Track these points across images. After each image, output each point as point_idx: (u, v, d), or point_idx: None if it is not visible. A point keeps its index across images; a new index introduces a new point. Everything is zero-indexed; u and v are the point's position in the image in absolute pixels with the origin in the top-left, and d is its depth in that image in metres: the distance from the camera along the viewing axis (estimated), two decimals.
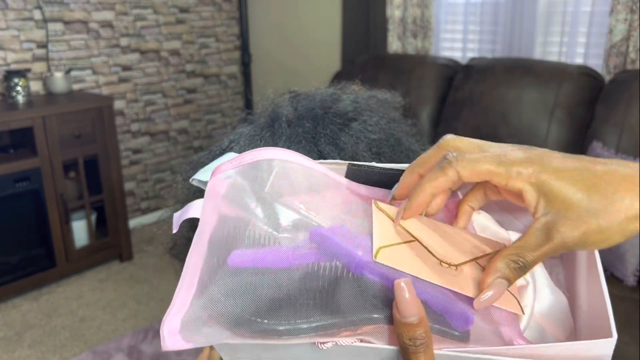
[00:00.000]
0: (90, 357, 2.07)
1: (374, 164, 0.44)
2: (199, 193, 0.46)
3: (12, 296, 2.44)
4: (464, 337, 0.36)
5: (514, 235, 0.46)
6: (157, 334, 2.18)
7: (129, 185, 3.09)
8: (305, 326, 0.35)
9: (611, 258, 1.68)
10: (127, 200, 3.01)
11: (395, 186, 0.41)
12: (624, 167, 0.35)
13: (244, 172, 0.40)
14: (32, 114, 2.30)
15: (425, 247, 0.39)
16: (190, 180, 0.43)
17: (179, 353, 2.08)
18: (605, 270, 1.71)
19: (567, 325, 0.42)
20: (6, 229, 2.41)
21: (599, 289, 0.37)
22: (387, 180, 0.43)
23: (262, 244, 0.38)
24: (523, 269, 0.35)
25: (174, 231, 0.40)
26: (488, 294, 0.35)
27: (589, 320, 0.39)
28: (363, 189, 0.43)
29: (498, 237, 0.44)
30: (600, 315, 0.36)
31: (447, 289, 0.37)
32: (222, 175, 0.40)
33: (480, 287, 0.36)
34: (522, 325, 0.40)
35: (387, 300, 0.36)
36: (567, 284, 0.46)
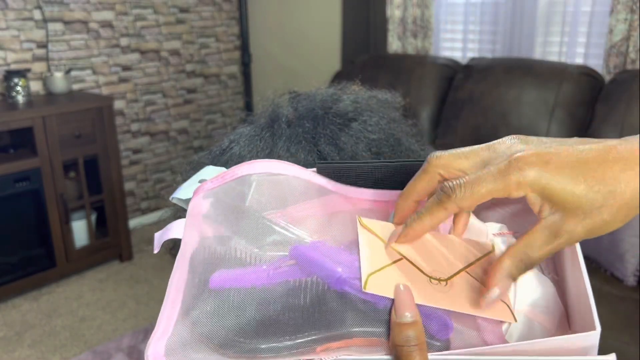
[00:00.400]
0: (90, 357, 2.07)
1: (344, 161, 0.44)
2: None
3: (12, 296, 2.44)
4: (445, 347, 0.36)
5: (490, 227, 0.46)
6: None
7: (129, 185, 3.09)
8: (288, 343, 0.35)
9: (611, 258, 1.68)
10: (127, 200, 3.01)
11: (393, 214, 0.40)
12: (618, 143, 0.34)
13: (226, 190, 0.40)
14: (32, 114, 2.30)
15: (414, 265, 0.38)
16: (170, 198, 0.43)
17: None
18: (605, 271, 1.72)
19: (557, 312, 0.42)
20: (6, 229, 2.41)
21: (582, 282, 0.38)
22: (360, 175, 0.43)
23: (243, 262, 0.38)
24: (528, 267, 0.36)
25: (155, 251, 0.40)
26: (496, 292, 0.35)
27: (576, 309, 0.39)
28: (346, 189, 0.43)
29: (476, 229, 0.44)
30: (583, 307, 0.36)
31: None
32: (202, 194, 0.40)
33: (487, 285, 0.36)
34: (507, 323, 0.40)
35: (369, 314, 0.36)
36: (555, 267, 0.47)
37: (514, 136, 0.37)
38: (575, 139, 0.36)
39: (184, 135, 3.31)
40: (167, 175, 3.28)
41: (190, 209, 0.39)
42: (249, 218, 0.39)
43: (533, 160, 0.34)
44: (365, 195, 0.43)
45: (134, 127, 3.06)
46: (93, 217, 2.69)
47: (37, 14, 2.59)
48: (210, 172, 0.44)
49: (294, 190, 0.41)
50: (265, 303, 0.36)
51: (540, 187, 0.33)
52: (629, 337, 1.46)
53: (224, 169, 0.44)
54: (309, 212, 0.40)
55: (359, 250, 0.38)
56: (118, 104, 2.94)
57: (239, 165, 0.40)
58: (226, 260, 0.38)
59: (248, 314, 0.36)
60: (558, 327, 0.42)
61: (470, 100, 2.24)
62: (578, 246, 0.40)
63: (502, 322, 0.40)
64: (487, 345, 0.37)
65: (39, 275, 2.47)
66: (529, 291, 0.42)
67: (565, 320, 0.42)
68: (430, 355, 0.35)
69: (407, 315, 0.35)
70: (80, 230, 2.61)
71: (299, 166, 0.42)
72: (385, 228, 0.40)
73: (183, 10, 3.14)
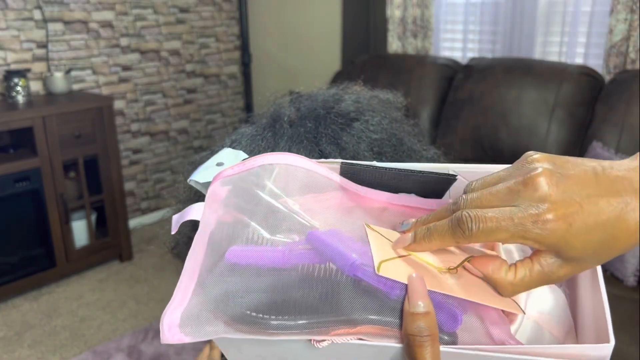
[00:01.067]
0: (90, 357, 2.07)
1: (370, 162, 0.44)
2: (200, 193, 0.47)
3: (12, 296, 2.44)
4: (453, 341, 0.36)
5: None
6: (157, 334, 2.18)
7: (129, 185, 3.09)
8: (298, 322, 0.35)
9: None
10: (127, 200, 3.01)
11: (407, 222, 0.41)
12: (625, 170, 0.34)
13: (244, 177, 0.40)
14: (32, 114, 2.30)
15: (422, 260, 0.39)
16: (188, 180, 0.44)
17: (178, 353, 2.08)
18: (605, 271, 1.72)
19: (566, 324, 0.42)
20: (6, 229, 2.41)
21: (599, 293, 0.37)
22: (380, 179, 0.44)
23: (260, 244, 0.38)
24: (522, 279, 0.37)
25: (173, 232, 0.41)
26: (429, 248, 0.37)
27: (589, 321, 0.39)
28: (361, 190, 0.43)
29: None
30: (599, 319, 0.36)
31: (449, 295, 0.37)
32: (221, 181, 0.40)
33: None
34: (516, 325, 0.40)
35: (381, 303, 0.37)
36: (567, 282, 0.47)
37: (543, 167, 0.35)
38: (600, 166, 0.35)
39: (184, 135, 3.31)
40: (167, 175, 3.28)
41: (208, 194, 0.40)
42: (267, 206, 0.40)
43: (559, 224, 0.33)
44: (381, 197, 0.43)
45: (134, 127, 3.06)
46: (93, 217, 2.69)
47: (37, 14, 2.59)
48: (228, 155, 0.45)
49: (313, 183, 0.41)
50: (278, 282, 0.37)
51: (556, 249, 0.34)
52: (629, 337, 1.46)
53: (242, 152, 0.44)
54: (325, 205, 0.41)
55: (369, 244, 0.38)
56: (118, 104, 2.94)
57: (261, 155, 0.41)
58: (243, 240, 0.39)
59: (261, 291, 0.36)
60: (566, 338, 0.42)
61: (470, 100, 2.24)
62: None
63: (510, 320, 0.40)
64: (494, 340, 0.37)
65: (39, 275, 2.47)
66: (541, 299, 0.42)
67: (574, 333, 0.42)
68: (444, 348, 0.35)
69: (421, 304, 0.35)
70: (80, 230, 2.61)
71: (319, 162, 0.42)
72: (392, 235, 0.41)
73: (183, 10, 3.14)
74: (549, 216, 0.33)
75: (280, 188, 0.41)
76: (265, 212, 0.39)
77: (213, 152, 0.55)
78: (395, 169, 0.44)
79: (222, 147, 0.53)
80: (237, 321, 0.36)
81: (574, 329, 0.43)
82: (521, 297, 0.41)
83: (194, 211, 0.40)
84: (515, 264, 0.37)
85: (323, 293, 0.36)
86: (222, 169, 0.42)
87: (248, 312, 0.36)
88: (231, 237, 0.38)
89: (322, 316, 0.36)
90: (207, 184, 0.42)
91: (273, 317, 0.35)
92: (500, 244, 0.44)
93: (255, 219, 0.39)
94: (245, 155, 0.44)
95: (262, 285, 0.37)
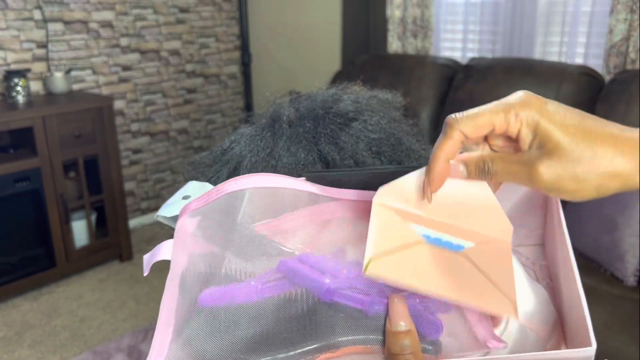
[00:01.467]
0: (90, 357, 2.07)
1: (329, 170, 0.44)
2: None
3: (12, 296, 2.44)
4: (436, 351, 0.37)
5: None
6: None
7: (129, 185, 3.09)
8: (282, 356, 0.35)
9: (611, 258, 1.68)
10: (127, 200, 3.01)
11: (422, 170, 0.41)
12: (619, 129, 0.36)
13: (213, 207, 0.40)
14: (32, 114, 2.30)
15: (431, 221, 0.39)
16: (155, 217, 0.44)
17: None
18: (605, 271, 1.72)
19: (551, 319, 0.43)
20: (6, 229, 2.41)
21: (577, 296, 0.38)
22: (348, 182, 0.43)
23: (233, 278, 0.38)
24: (483, 172, 0.38)
25: (145, 274, 0.40)
26: (439, 166, 0.38)
27: (571, 320, 0.40)
28: (333, 192, 0.42)
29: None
30: (580, 322, 0.37)
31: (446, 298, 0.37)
32: (190, 213, 0.40)
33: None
34: (501, 327, 0.40)
35: (361, 322, 0.37)
36: (550, 272, 0.47)
37: (525, 91, 0.39)
38: (581, 111, 0.38)
39: (184, 135, 3.31)
40: (167, 175, 3.28)
41: (177, 229, 0.40)
42: (239, 232, 0.39)
43: (533, 100, 0.36)
44: (353, 196, 0.43)
45: (134, 127, 3.06)
46: (93, 217, 2.69)
47: (37, 14, 2.59)
48: (194, 188, 0.44)
49: (283, 202, 0.41)
50: (256, 318, 0.36)
51: (534, 122, 0.36)
52: (629, 337, 1.46)
53: (207, 184, 0.44)
54: (297, 223, 0.40)
55: (370, 232, 0.38)
56: (118, 104, 2.94)
57: (225, 182, 0.40)
58: (216, 277, 0.38)
59: (240, 331, 0.36)
60: (552, 334, 0.42)
61: (470, 100, 2.24)
62: (573, 259, 0.40)
63: (495, 322, 0.40)
64: (478, 340, 0.37)
65: (39, 275, 2.47)
66: (523, 300, 0.42)
67: (559, 326, 0.43)
68: None
69: (402, 324, 0.36)
70: (80, 230, 2.61)
71: (286, 176, 0.41)
72: (405, 197, 0.40)
73: (183, 10, 3.14)
74: (526, 95, 0.37)
75: (250, 213, 0.40)
76: (237, 241, 0.39)
77: (212, 152, 0.55)
78: (358, 169, 0.44)
79: (222, 147, 0.53)
80: None
81: (559, 324, 0.43)
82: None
83: (163, 250, 0.40)
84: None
85: (302, 322, 0.36)
86: (189, 201, 0.41)
87: (229, 355, 0.35)
88: (203, 276, 0.38)
89: (304, 345, 0.36)
90: (175, 218, 0.41)
91: (255, 356, 0.35)
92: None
93: (227, 248, 0.39)
94: (211, 187, 0.43)
95: (239, 324, 0.36)
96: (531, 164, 0.36)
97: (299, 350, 0.36)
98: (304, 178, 0.42)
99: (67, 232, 2.50)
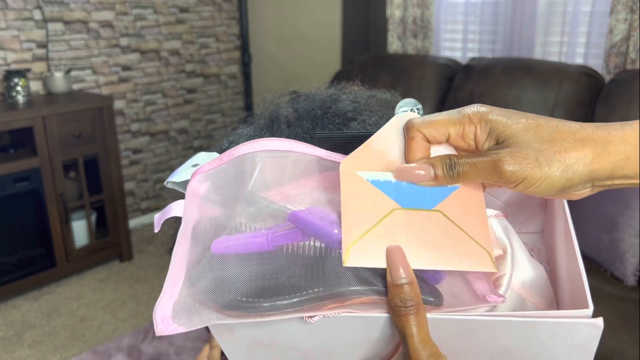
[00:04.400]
0: (90, 357, 2.07)
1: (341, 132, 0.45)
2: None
3: (12, 296, 2.44)
4: (438, 303, 0.38)
5: (488, 211, 0.47)
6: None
7: (129, 185, 3.09)
8: (289, 301, 0.36)
9: (611, 258, 1.68)
10: (127, 200, 3.01)
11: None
12: (593, 128, 0.36)
13: (222, 171, 0.41)
14: (32, 114, 2.30)
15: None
16: (165, 183, 0.45)
17: (178, 353, 2.08)
18: (605, 271, 1.72)
19: (548, 295, 0.43)
20: (6, 229, 2.41)
21: (576, 263, 0.39)
22: (354, 146, 0.44)
23: (243, 232, 0.39)
24: (452, 171, 0.38)
25: (156, 230, 0.41)
26: (416, 170, 0.38)
27: (568, 293, 0.40)
28: (340, 157, 0.43)
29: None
30: (578, 288, 0.37)
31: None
32: (200, 177, 0.41)
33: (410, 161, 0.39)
34: (502, 291, 0.41)
35: (368, 272, 0.37)
36: (547, 258, 0.47)
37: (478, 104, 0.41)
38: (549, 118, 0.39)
39: (184, 135, 3.31)
40: (167, 175, 3.28)
41: (188, 191, 0.40)
42: (247, 198, 0.40)
43: (485, 107, 0.39)
44: None
45: (134, 127, 3.06)
46: (93, 217, 2.69)
47: (37, 14, 2.59)
48: (202, 158, 0.45)
49: (293, 169, 0.42)
50: (265, 265, 0.37)
51: (486, 123, 0.38)
52: (629, 337, 1.46)
53: (216, 154, 0.45)
54: (306, 189, 0.41)
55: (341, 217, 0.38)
56: (118, 104, 2.94)
57: (235, 147, 0.41)
58: (227, 231, 0.39)
59: (250, 276, 0.37)
60: (549, 310, 0.43)
61: (470, 100, 2.24)
62: (572, 231, 0.41)
63: (492, 280, 0.41)
64: (477, 297, 0.38)
65: (39, 275, 2.47)
66: (522, 271, 0.43)
67: (556, 306, 0.44)
68: (428, 315, 0.36)
69: (402, 275, 0.36)
70: (80, 230, 2.61)
71: (295, 141, 0.42)
72: (371, 161, 0.40)
73: (183, 10, 3.14)
74: (477, 104, 0.39)
75: (259, 177, 0.41)
76: (246, 204, 0.40)
77: None
78: (364, 132, 0.44)
79: (220, 147, 0.53)
80: (228, 308, 0.36)
81: (555, 302, 0.44)
82: (507, 267, 0.42)
83: (174, 208, 0.41)
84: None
85: (310, 270, 0.37)
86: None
87: (239, 298, 0.36)
88: (215, 229, 0.39)
89: (311, 293, 0.36)
90: (184, 183, 0.42)
91: (263, 299, 0.36)
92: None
93: (237, 212, 0.40)
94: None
95: (250, 270, 0.37)
96: (494, 154, 0.37)
97: (307, 297, 0.36)
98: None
99: (67, 232, 2.50)
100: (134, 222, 3.09)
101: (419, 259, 0.37)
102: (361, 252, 0.37)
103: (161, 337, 2.16)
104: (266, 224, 0.39)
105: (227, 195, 0.40)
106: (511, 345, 0.38)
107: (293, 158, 0.41)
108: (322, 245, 0.38)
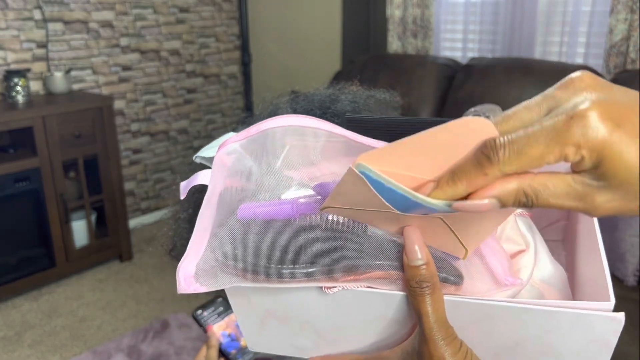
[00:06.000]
0: (90, 357, 2.07)
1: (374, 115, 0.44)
2: (197, 194, 0.47)
3: (12, 296, 2.44)
4: (457, 281, 0.37)
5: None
6: (157, 334, 2.18)
7: (129, 185, 3.09)
8: (308, 270, 0.36)
9: (611, 258, 1.68)
10: (127, 200, 3.01)
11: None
12: None
13: (249, 144, 0.41)
14: (32, 114, 2.30)
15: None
16: (194, 157, 0.45)
17: (178, 353, 2.08)
18: None
19: (566, 295, 0.43)
20: (6, 229, 2.41)
21: (599, 257, 0.38)
22: (386, 130, 0.43)
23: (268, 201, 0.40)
24: (526, 204, 0.29)
25: (182, 197, 0.42)
26: (474, 203, 0.29)
27: (589, 288, 0.40)
28: (367, 141, 0.42)
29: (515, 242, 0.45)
30: (600, 282, 0.37)
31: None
32: (227, 148, 0.41)
33: (475, 193, 0.30)
34: (516, 289, 0.41)
35: (388, 247, 0.37)
36: (567, 265, 0.47)
37: (585, 74, 0.30)
38: None
39: (184, 135, 3.31)
40: (167, 175, 3.28)
41: (215, 161, 0.41)
42: (272, 172, 0.41)
43: (603, 118, 0.26)
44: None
45: (134, 127, 3.06)
46: (93, 217, 2.69)
47: (37, 14, 2.59)
48: (229, 136, 0.45)
49: (319, 149, 0.41)
50: (288, 233, 0.38)
51: (602, 155, 0.26)
52: (629, 337, 1.46)
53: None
54: (330, 171, 0.41)
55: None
56: (118, 104, 2.94)
57: (262, 121, 0.41)
58: (252, 199, 0.40)
59: (272, 242, 0.37)
60: None
61: (470, 100, 2.24)
62: (598, 231, 0.40)
63: (513, 280, 0.41)
64: (495, 275, 0.38)
65: (39, 275, 2.47)
66: (543, 267, 0.43)
67: None
68: (447, 297, 0.36)
69: (419, 257, 0.35)
70: (80, 230, 2.61)
71: (321, 120, 0.41)
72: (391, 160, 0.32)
73: (183, 10, 3.14)
74: (589, 106, 0.26)
75: (287, 156, 0.41)
76: (271, 178, 0.40)
77: None
78: (399, 118, 0.44)
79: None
80: (249, 271, 0.37)
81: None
82: (529, 261, 0.42)
83: (201, 176, 0.41)
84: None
85: (332, 241, 0.37)
86: None
87: (259, 262, 0.37)
88: (241, 197, 0.40)
89: (331, 264, 0.37)
90: (213, 159, 0.42)
91: (284, 266, 0.36)
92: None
93: (262, 185, 0.40)
94: None
95: (273, 237, 0.38)
96: (588, 194, 0.28)
97: (328, 267, 0.37)
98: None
99: (67, 232, 2.50)
100: (133, 222, 3.09)
101: (394, 227, 0.37)
102: (341, 212, 0.36)
103: (161, 337, 2.16)
104: (290, 197, 0.40)
105: (253, 168, 0.40)
106: (526, 336, 0.37)
107: (320, 139, 0.41)
108: (345, 219, 0.38)
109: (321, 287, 0.38)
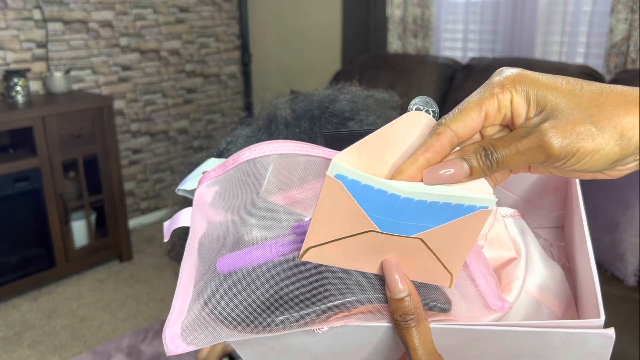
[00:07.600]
0: (90, 357, 2.07)
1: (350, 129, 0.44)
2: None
3: (12, 296, 2.44)
4: (446, 308, 0.37)
5: (503, 210, 0.45)
6: (157, 334, 2.18)
7: (128, 185, 3.09)
8: (299, 313, 0.36)
9: (611, 258, 1.68)
10: (127, 200, 3.01)
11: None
12: (621, 89, 0.32)
13: (229, 176, 0.40)
14: (31, 114, 2.30)
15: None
16: (176, 190, 0.44)
17: (178, 354, 2.08)
18: (605, 271, 1.71)
19: (565, 298, 0.43)
20: (6, 229, 2.41)
21: (589, 270, 0.38)
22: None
23: (249, 243, 0.39)
24: (489, 160, 0.31)
25: (165, 240, 0.41)
26: (444, 169, 0.31)
27: (584, 297, 0.40)
28: None
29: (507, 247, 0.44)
30: (591, 296, 0.37)
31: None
32: (206, 183, 0.41)
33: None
34: (512, 298, 0.41)
35: (374, 281, 0.37)
36: (567, 254, 0.47)
37: (501, 68, 0.35)
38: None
39: (184, 135, 3.31)
40: (167, 175, 3.28)
41: (196, 198, 0.40)
42: (255, 202, 0.40)
43: (513, 72, 0.33)
44: None
45: (134, 127, 3.06)
46: (93, 217, 2.69)
47: (37, 14, 2.59)
48: (212, 164, 0.45)
49: (298, 171, 0.41)
50: (271, 278, 0.37)
51: (524, 91, 0.32)
52: (629, 337, 1.46)
53: (225, 159, 0.45)
54: (310, 194, 0.41)
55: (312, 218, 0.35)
56: (118, 104, 2.94)
57: (239, 151, 0.41)
58: (232, 242, 0.39)
59: (258, 291, 0.37)
60: (566, 312, 0.42)
61: None
62: (587, 236, 0.41)
63: (502, 283, 0.40)
64: (484, 298, 0.38)
65: (39, 275, 2.47)
66: (537, 273, 0.43)
67: (574, 307, 0.43)
68: (435, 325, 0.36)
69: (400, 289, 0.35)
70: (80, 230, 2.61)
71: (298, 142, 0.41)
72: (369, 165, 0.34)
73: (183, 10, 3.14)
74: (503, 67, 0.33)
75: (270, 185, 0.41)
76: (253, 209, 0.40)
77: (209, 154, 0.54)
78: (375, 129, 0.44)
79: (218, 148, 0.53)
80: (240, 324, 0.36)
81: (573, 304, 0.43)
82: (520, 271, 0.42)
83: (182, 217, 0.40)
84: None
85: (315, 281, 0.37)
86: None
87: (250, 314, 0.36)
88: (221, 241, 0.39)
89: (318, 304, 0.36)
90: (194, 191, 0.42)
91: (274, 314, 0.36)
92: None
93: (247, 218, 0.39)
94: None
95: (258, 284, 0.37)
96: (537, 131, 0.30)
97: (315, 308, 0.36)
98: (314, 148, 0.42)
99: (66, 232, 2.50)
100: (133, 222, 3.09)
101: (375, 267, 0.37)
102: (321, 254, 0.36)
103: (161, 337, 2.15)
104: (273, 230, 0.39)
105: (235, 201, 0.40)
106: (522, 352, 0.37)
107: (299, 161, 0.41)
108: None
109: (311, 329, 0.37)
